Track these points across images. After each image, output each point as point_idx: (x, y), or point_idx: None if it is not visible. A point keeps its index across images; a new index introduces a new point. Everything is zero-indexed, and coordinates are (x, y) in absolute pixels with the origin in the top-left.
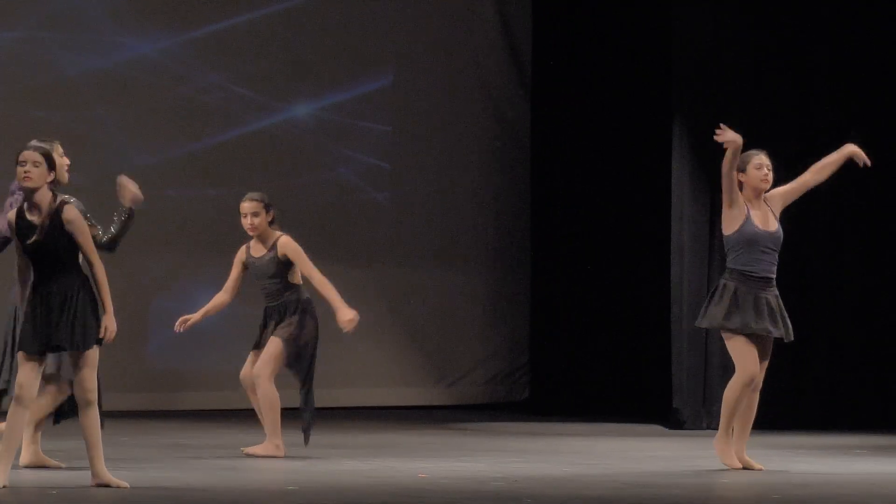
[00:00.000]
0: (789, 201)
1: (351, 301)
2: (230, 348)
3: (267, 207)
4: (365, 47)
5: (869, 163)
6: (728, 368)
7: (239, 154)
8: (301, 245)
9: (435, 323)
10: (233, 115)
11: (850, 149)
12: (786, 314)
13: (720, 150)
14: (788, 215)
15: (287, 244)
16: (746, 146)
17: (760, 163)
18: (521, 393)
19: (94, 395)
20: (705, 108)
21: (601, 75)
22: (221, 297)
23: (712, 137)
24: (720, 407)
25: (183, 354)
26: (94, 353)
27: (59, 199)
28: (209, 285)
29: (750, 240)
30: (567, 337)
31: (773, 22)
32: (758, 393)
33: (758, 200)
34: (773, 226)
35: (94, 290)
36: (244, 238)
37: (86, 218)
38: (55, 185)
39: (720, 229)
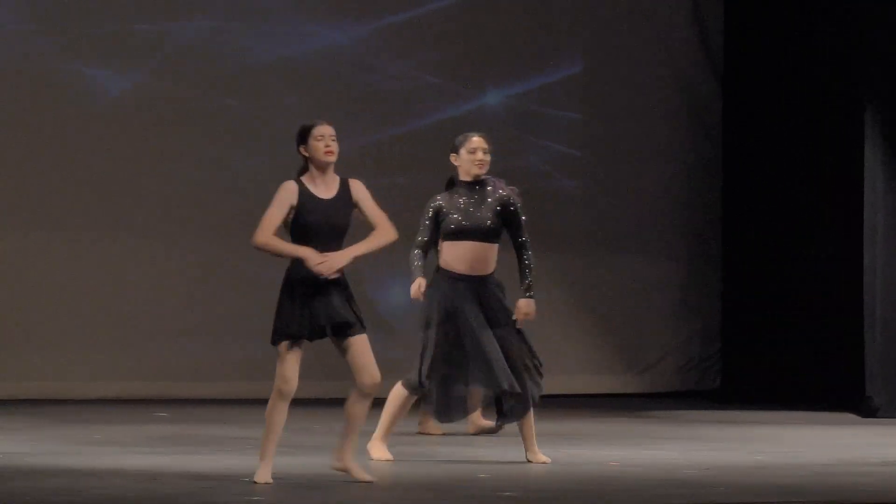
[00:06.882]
0: None
1: (540, 288)
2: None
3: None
4: (555, 34)
5: None
6: None
7: (428, 142)
8: None
9: (625, 311)
10: (422, 103)
11: None
12: None
13: None
14: None
15: None
16: None
17: None
18: (712, 381)
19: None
20: None
21: (792, 63)
22: None
23: None
24: None
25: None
26: None
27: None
28: (398, 272)
29: None
30: (758, 325)
31: None
32: None
33: None
34: None
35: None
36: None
37: None
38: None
39: None
